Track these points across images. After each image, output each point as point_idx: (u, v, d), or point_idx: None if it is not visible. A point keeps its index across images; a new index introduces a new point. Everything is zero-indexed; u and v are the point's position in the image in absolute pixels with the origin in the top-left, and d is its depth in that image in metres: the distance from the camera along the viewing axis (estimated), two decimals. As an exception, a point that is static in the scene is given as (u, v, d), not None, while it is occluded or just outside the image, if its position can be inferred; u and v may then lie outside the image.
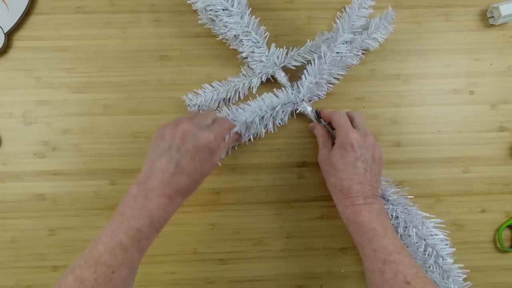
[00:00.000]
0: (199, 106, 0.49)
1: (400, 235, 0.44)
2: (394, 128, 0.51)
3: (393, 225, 0.44)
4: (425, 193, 0.51)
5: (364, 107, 0.52)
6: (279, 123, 0.49)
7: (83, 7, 0.51)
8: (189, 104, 0.49)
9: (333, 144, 0.45)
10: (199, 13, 0.48)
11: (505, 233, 0.52)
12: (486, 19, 0.52)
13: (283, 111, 0.48)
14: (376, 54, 0.52)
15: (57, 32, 0.50)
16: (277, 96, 0.49)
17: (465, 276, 0.44)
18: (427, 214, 0.46)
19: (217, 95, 0.49)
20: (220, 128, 0.40)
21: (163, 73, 0.50)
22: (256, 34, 0.47)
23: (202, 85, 0.49)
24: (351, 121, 0.45)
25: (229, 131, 0.43)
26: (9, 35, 0.49)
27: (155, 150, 0.37)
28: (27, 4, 0.49)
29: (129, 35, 0.51)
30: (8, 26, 0.49)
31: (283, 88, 0.49)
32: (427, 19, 0.52)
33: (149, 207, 0.35)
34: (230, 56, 0.50)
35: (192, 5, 0.49)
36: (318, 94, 0.50)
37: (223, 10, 0.45)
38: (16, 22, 0.49)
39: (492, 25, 0.52)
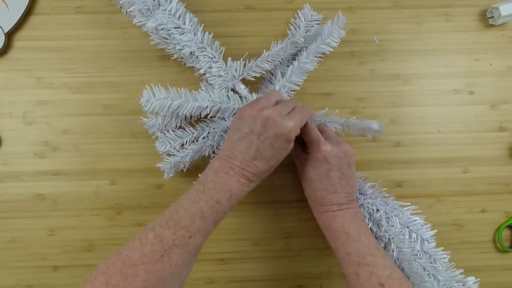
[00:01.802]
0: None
1: (384, 228, 0.44)
2: (394, 128, 0.51)
3: (375, 219, 0.45)
4: (425, 193, 0.51)
5: (364, 107, 0.52)
6: None
7: (83, 7, 0.51)
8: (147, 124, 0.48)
9: (304, 155, 0.45)
10: (150, 33, 0.48)
11: (505, 233, 0.52)
12: (486, 19, 0.52)
13: None
14: (376, 54, 0.52)
15: (57, 32, 0.50)
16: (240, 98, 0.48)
17: (449, 257, 0.44)
18: (403, 203, 0.46)
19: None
20: (300, 117, 0.40)
21: (163, 73, 0.51)
22: (211, 49, 0.46)
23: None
24: (322, 132, 0.45)
25: (308, 119, 0.43)
26: (9, 35, 0.49)
27: (236, 132, 0.39)
28: (27, 4, 0.49)
29: (129, 35, 0.51)
30: (8, 26, 0.49)
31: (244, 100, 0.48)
32: (427, 19, 0.52)
33: (230, 182, 0.37)
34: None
35: (142, 27, 0.48)
36: None
37: (175, 28, 0.45)
38: (16, 22, 0.49)
39: (492, 25, 0.52)
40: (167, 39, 0.46)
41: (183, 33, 0.45)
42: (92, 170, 0.50)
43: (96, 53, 0.50)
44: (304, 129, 0.45)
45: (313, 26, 0.50)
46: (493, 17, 0.52)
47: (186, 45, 0.45)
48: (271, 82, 0.49)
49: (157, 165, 0.48)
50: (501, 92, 0.52)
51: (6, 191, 0.49)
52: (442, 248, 0.44)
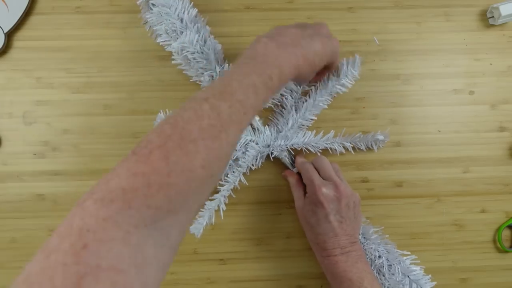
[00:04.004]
0: None
1: (384, 275, 0.44)
2: (394, 128, 0.51)
3: (376, 265, 0.45)
4: (425, 193, 0.51)
5: (364, 107, 0.52)
6: (252, 167, 0.49)
7: (83, 7, 0.51)
8: None
9: (305, 193, 0.45)
10: (173, 53, 0.47)
11: (505, 233, 0.52)
12: (486, 19, 0.52)
13: (260, 156, 0.48)
14: (376, 54, 0.52)
15: (57, 32, 0.50)
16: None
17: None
18: (404, 252, 0.46)
19: None
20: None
21: (163, 73, 0.50)
22: None
23: None
24: (318, 171, 0.45)
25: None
26: (9, 35, 0.49)
27: (297, 26, 0.39)
28: (27, 4, 0.49)
29: (129, 35, 0.51)
30: (8, 26, 0.49)
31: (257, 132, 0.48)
32: (427, 19, 0.52)
33: (280, 57, 0.34)
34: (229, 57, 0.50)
35: (165, 47, 0.48)
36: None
37: (199, 53, 0.45)
38: (16, 22, 0.49)
39: (492, 25, 0.52)
40: (189, 61, 0.46)
41: (207, 59, 0.46)
42: (92, 170, 0.50)
43: (96, 53, 0.50)
44: (302, 170, 0.45)
45: None
46: (493, 17, 0.52)
47: (209, 69, 0.46)
48: (282, 115, 0.49)
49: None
50: (501, 92, 0.52)
51: (6, 191, 0.49)
52: None
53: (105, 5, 0.51)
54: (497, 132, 0.52)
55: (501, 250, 0.51)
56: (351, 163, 0.51)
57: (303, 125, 0.50)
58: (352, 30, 0.52)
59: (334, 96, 0.50)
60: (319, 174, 0.44)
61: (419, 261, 0.46)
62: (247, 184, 0.47)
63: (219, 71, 0.46)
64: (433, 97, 0.52)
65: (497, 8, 0.50)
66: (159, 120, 0.46)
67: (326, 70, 0.45)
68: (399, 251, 0.46)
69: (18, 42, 0.50)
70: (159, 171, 0.25)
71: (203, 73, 0.46)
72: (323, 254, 0.42)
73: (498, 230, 0.51)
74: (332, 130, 0.49)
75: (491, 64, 0.52)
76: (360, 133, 0.49)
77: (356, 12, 0.52)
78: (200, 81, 0.49)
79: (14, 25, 0.49)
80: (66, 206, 0.49)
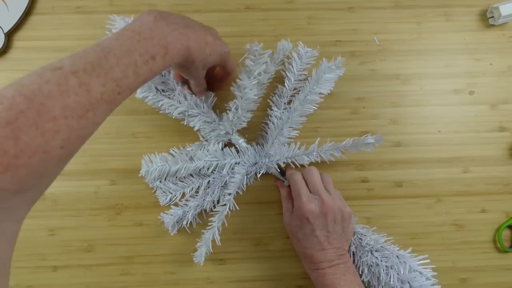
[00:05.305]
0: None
1: (383, 282, 0.43)
2: (394, 128, 0.51)
3: (374, 272, 0.44)
4: (425, 193, 0.51)
5: (364, 107, 0.52)
6: (243, 186, 0.49)
7: (83, 7, 0.51)
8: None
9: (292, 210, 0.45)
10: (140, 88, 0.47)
11: (505, 233, 0.52)
12: (486, 19, 0.52)
13: (249, 177, 0.48)
14: (376, 54, 0.52)
15: (57, 32, 0.50)
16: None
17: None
18: (408, 253, 0.45)
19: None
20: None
21: (163, 73, 0.50)
22: (202, 106, 0.46)
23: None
24: (306, 183, 0.44)
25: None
26: (9, 35, 0.49)
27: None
28: (27, 4, 0.49)
29: (129, 35, 0.51)
30: (8, 26, 0.49)
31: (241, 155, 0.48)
32: (427, 19, 0.52)
33: (169, 37, 0.32)
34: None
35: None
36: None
37: (162, 83, 0.46)
38: (16, 22, 0.49)
39: (492, 25, 0.52)
40: (157, 100, 0.46)
41: (173, 95, 0.46)
42: (92, 170, 0.50)
43: (96, 53, 0.50)
44: (290, 180, 0.45)
45: (309, 64, 0.48)
46: (493, 17, 0.52)
47: (175, 105, 0.46)
48: (269, 129, 0.48)
49: (161, 220, 0.48)
50: (501, 92, 0.52)
51: (6, 191, 0.49)
52: None
53: (105, 5, 0.51)
54: (497, 132, 0.52)
55: (501, 250, 0.51)
56: (351, 163, 0.51)
57: (285, 142, 0.48)
58: (352, 30, 0.52)
59: (321, 98, 0.48)
60: (308, 186, 0.44)
61: (429, 261, 0.45)
62: (238, 208, 0.47)
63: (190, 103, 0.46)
64: (433, 97, 0.52)
65: (497, 8, 0.50)
66: (144, 166, 0.46)
67: (226, 76, 0.45)
68: (403, 252, 0.45)
69: (18, 42, 0.50)
70: (6, 151, 0.23)
71: (172, 111, 0.46)
72: (311, 267, 0.42)
73: (498, 230, 0.51)
74: (317, 138, 0.48)
75: (491, 64, 0.52)
76: (349, 138, 0.47)
77: (356, 12, 0.52)
78: (176, 117, 0.48)
79: (14, 25, 0.49)
80: (66, 206, 0.49)
